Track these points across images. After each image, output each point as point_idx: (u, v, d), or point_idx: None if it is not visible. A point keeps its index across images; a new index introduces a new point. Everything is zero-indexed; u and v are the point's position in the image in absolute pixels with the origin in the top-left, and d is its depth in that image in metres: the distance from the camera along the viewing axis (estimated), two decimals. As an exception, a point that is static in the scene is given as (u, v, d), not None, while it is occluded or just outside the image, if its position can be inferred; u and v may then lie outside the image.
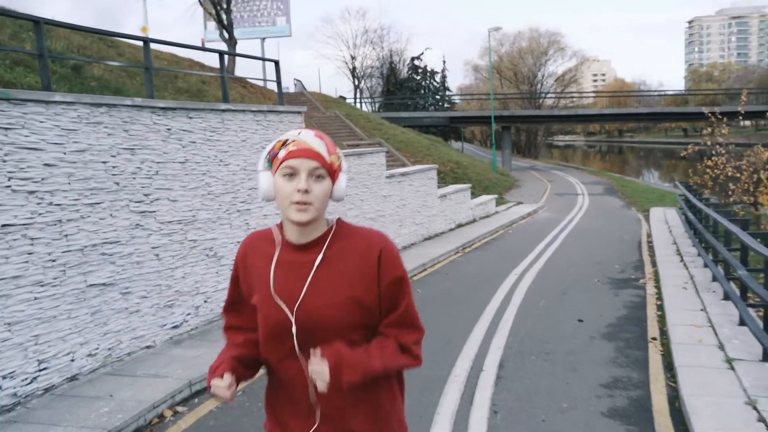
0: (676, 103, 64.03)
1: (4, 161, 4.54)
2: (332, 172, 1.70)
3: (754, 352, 5.34)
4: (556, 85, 62.13)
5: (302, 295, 1.70)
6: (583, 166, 49.35)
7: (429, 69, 58.53)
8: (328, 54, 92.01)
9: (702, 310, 6.99)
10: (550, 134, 77.84)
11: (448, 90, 61.27)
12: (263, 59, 12.33)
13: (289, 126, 8.32)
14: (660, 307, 7.49)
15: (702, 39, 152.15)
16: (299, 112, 8.56)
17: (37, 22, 5.54)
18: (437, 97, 58.62)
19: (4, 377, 4.49)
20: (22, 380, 4.63)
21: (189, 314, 6.55)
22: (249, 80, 22.07)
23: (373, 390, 1.77)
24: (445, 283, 9.25)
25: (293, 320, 1.69)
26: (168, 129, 6.31)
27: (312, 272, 1.71)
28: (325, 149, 1.68)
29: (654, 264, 10.26)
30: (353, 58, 56.61)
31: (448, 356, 5.81)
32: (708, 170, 13.72)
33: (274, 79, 9.71)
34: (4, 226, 4.51)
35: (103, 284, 5.42)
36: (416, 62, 57.96)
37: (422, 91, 57.87)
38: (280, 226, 1.80)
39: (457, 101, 65.36)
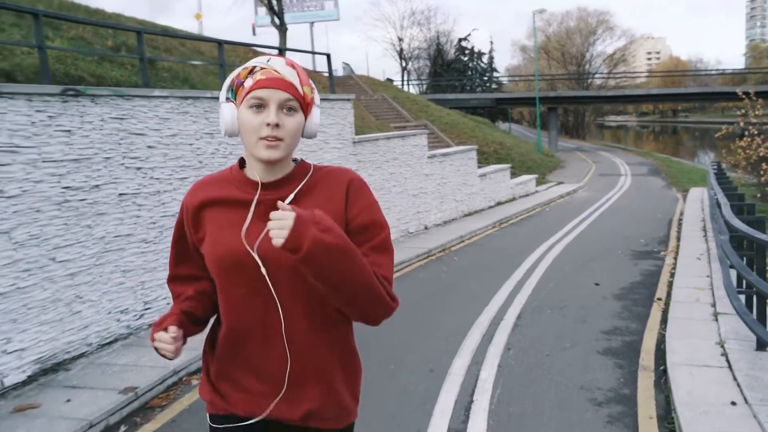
0: (734, 82, 62.46)
1: (119, 144, 5.75)
2: (305, 105, 1.55)
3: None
4: (604, 65, 61.52)
5: (263, 233, 1.50)
6: (631, 147, 49.06)
7: (476, 50, 58.81)
8: (375, 36, 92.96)
9: (708, 276, 7.80)
10: (601, 114, 77.04)
11: (496, 71, 61.41)
12: (314, 53, 13.34)
13: (341, 112, 9.41)
14: (673, 275, 8.32)
15: (765, 13, 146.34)
16: (349, 99, 9.62)
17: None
18: (484, 78, 58.87)
19: (121, 312, 5.75)
20: (133, 316, 5.89)
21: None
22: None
23: (344, 350, 1.69)
24: (480, 253, 10.24)
25: (259, 261, 1.53)
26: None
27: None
28: (298, 79, 1.53)
29: (679, 239, 10.99)
30: (400, 39, 57.35)
31: (475, 310, 6.82)
32: (740, 151, 14.20)
33: (324, 63, 10.79)
34: (120, 194, 5.73)
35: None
36: (463, 43, 58.31)
37: (469, 73, 58.23)
38: (237, 164, 1.66)
39: (504, 82, 65.37)
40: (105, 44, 10.91)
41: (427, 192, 12.26)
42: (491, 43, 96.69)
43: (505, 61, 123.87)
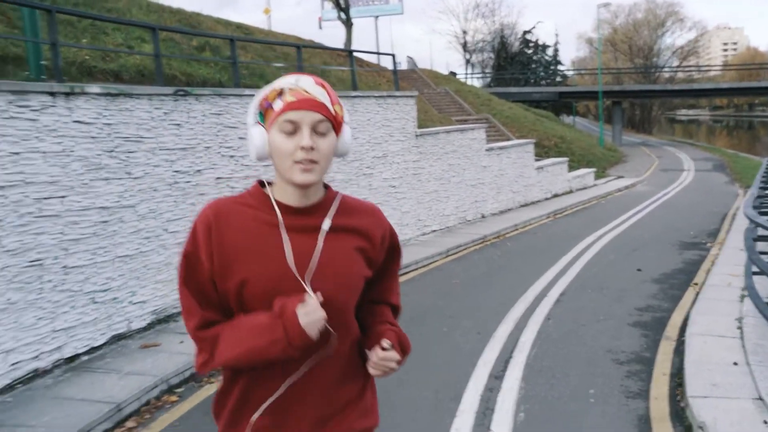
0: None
1: (217, 135, 6.81)
2: (337, 125, 1.50)
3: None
4: (674, 57, 60.10)
5: (315, 265, 1.49)
6: (702, 142, 47.98)
7: (541, 43, 58.47)
8: (439, 29, 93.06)
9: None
10: (671, 108, 75.16)
11: (560, 64, 60.88)
12: (379, 53, 14.24)
13: (404, 107, 10.28)
14: (714, 264, 8.83)
15: None
16: (412, 96, 10.49)
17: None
18: (549, 71, 58.50)
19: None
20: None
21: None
22: (362, 57, 24.08)
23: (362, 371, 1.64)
24: (532, 240, 10.96)
25: (309, 287, 1.47)
26: (315, 111, 8.46)
27: (322, 239, 1.51)
28: (328, 98, 1.48)
29: (729, 232, 11.37)
30: (464, 32, 57.66)
31: (522, 287, 7.59)
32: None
33: (387, 55, 11.68)
34: (217, 178, 6.79)
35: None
36: (528, 36, 58.03)
37: (533, 66, 57.98)
38: (258, 187, 1.57)
39: (570, 75, 64.74)
40: (191, 44, 12.16)
41: (484, 183, 13.01)
42: (556, 35, 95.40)
43: (570, 54, 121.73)
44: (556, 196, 16.38)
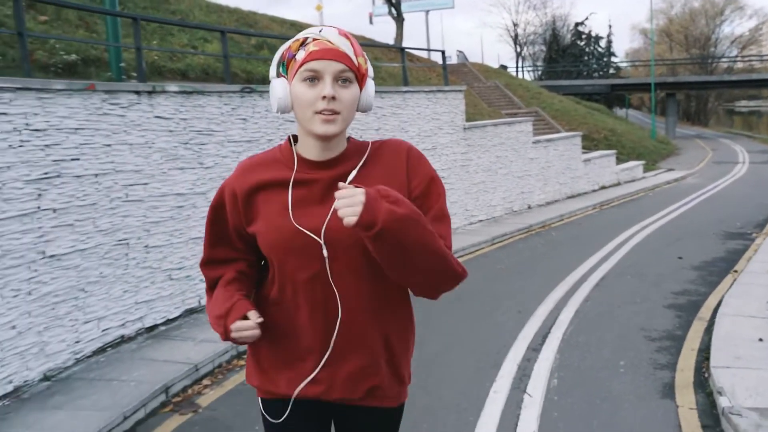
0: None
1: (278, 129, 7.39)
2: (360, 77, 1.48)
3: (804, 278, 6.94)
4: (732, 47, 58.33)
5: (329, 215, 1.49)
6: (760, 134, 46.59)
7: (593, 34, 57.67)
8: (490, 22, 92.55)
9: (789, 253, 8.44)
10: (730, 100, 72.92)
11: (614, 55, 59.90)
12: (430, 50, 14.67)
13: (453, 101, 10.70)
14: (756, 252, 8.98)
15: None
16: (460, 90, 10.90)
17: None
18: (601, 63, 57.64)
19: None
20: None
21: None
22: (413, 52, 24.47)
23: (400, 327, 1.63)
24: (576, 230, 11.24)
25: (323, 243, 1.49)
26: (367, 106, 8.99)
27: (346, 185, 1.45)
28: (352, 49, 1.46)
29: (777, 223, 11.41)
30: (515, 25, 57.35)
31: (564, 272, 7.94)
32: None
33: (436, 51, 12.10)
34: (278, 168, 7.39)
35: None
36: (580, 28, 57.33)
37: (586, 58, 57.22)
38: (287, 142, 1.59)
39: (626, 66, 63.59)
40: (250, 43, 12.87)
41: (531, 174, 13.31)
42: (610, 26, 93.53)
43: (624, 45, 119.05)
44: (603, 188, 16.51)
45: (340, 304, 1.52)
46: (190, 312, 6.28)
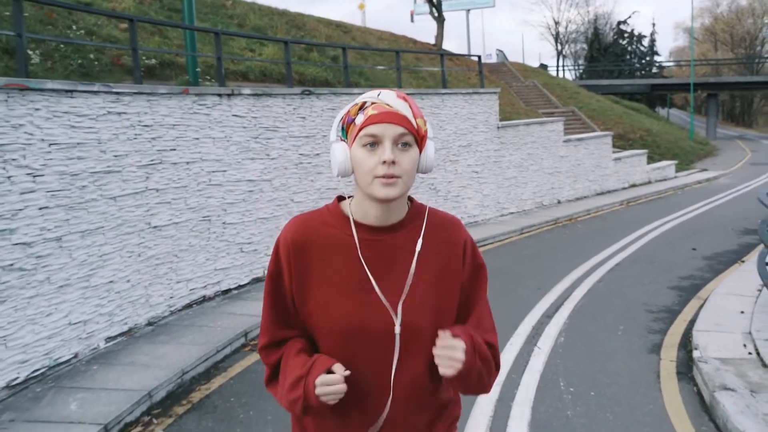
0: None
1: (330, 127, 8.46)
2: (420, 139, 1.44)
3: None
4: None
5: (406, 289, 1.44)
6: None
7: (636, 33, 57.46)
8: (531, 20, 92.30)
9: (795, 247, 9.16)
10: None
11: (657, 54, 59.56)
12: (468, 55, 15.52)
13: (488, 102, 11.65)
14: None
15: None
16: (495, 92, 11.84)
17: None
18: (643, 62, 57.42)
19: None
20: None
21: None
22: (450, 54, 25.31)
23: (445, 405, 1.58)
24: (601, 223, 12.08)
25: (397, 322, 1.42)
26: (409, 106, 10.03)
27: (414, 260, 1.46)
28: (411, 112, 1.43)
29: (796, 221, 12.03)
30: (557, 23, 57.55)
31: (583, 259, 8.85)
32: None
33: (473, 56, 13.05)
34: (330, 161, 8.48)
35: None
36: (622, 27, 57.18)
37: (628, 57, 57.09)
38: (336, 204, 1.52)
39: (669, 65, 63.09)
40: (300, 46, 14.01)
41: (561, 171, 14.16)
42: (653, 25, 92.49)
43: (668, 44, 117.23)
44: (633, 186, 17.21)
45: (395, 376, 1.46)
46: (256, 280, 7.40)
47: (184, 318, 6.08)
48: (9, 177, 4.45)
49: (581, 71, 54.20)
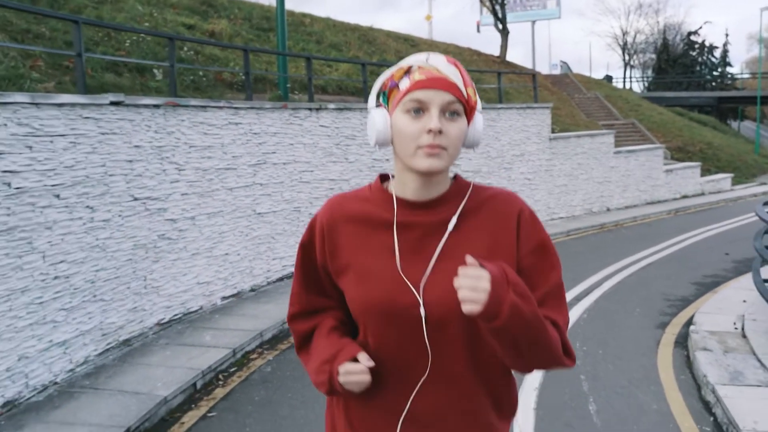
0: None
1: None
2: (469, 109, 1.33)
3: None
4: None
5: (430, 268, 1.34)
6: None
7: (707, 44, 56.68)
8: (598, 30, 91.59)
9: (821, 254, 9.96)
10: None
11: (729, 65, 58.54)
12: (524, 73, 16.67)
13: (540, 116, 12.84)
14: (798, 254, 10.51)
15: None
16: (547, 107, 13.01)
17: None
18: (714, 73, 56.57)
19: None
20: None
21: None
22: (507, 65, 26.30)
23: (499, 391, 1.43)
24: (645, 229, 13.04)
25: (421, 302, 1.32)
26: (468, 119, 11.35)
27: (444, 239, 1.35)
28: (461, 79, 1.31)
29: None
30: (624, 33, 57.37)
31: (622, 257, 9.92)
32: None
33: (541, 65, 14.23)
34: (387, 160, 9.89)
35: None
36: (693, 37, 56.53)
37: (698, 68, 56.39)
38: (378, 182, 1.45)
39: (745, 77, 61.76)
40: (371, 59, 15.50)
41: (611, 181, 15.14)
42: (726, 35, 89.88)
43: (741, 55, 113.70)
44: (685, 197, 17.92)
45: (431, 366, 1.36)
46: (333, 264, 8.86)
47: (279, 287, 7.58)
48: (164, 170, 6.04)
49: (648, 82, 53.92)
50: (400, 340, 1.36)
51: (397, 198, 1.38)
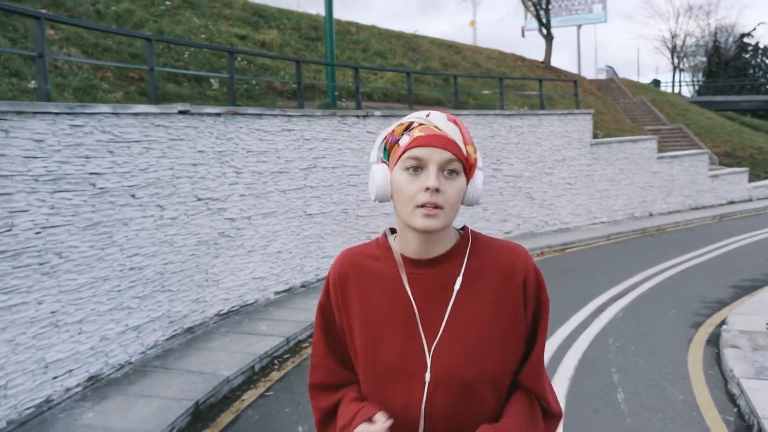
0: None
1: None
2: (468, 167, 1.33)
3: None
4: None
5: (441, 330, 1.34)
6: None
7: (761, 46, 55.22)
8: (646, 34, 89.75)
9: None
10: None
11: (786, 68, 56.83)
12: (565, 80, 16.82)
13: (582, 122, 13.05)
14: (843, 260, 10.47)
15: None
16: (588, 113, 13.20)
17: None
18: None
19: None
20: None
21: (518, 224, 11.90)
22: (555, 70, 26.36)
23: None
24: (687, 234, 13.09)
25: (429, 365, 1.33)
26: (510, 125, 11.64)
27: (452, 299, 1.34)
28: (461, 137, 1.32)
29: None
30: (673, 36, 56.35)
31: (659, 261, 10.08)
32: None
33: (586, 70, 14.43)
34: (441, 169, 10.30)
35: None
36: (746, 39, 55.16)
37: (751, 71, 55.02)
38: (384, 237, 1.44)
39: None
40: (415, 67, 15.92)
41: (654, 186, 15.19)
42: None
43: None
44: (731, 202, 17.77)
45: (424, 416, 1.34)
46: (377, 263, 9.30)
47: (326, 284, 8.05)
48: (224, 173, 6.57)
49: (698, 86, 52.87)
50: (404, 401, 1.36)
51: (402, 256, 1.38)
